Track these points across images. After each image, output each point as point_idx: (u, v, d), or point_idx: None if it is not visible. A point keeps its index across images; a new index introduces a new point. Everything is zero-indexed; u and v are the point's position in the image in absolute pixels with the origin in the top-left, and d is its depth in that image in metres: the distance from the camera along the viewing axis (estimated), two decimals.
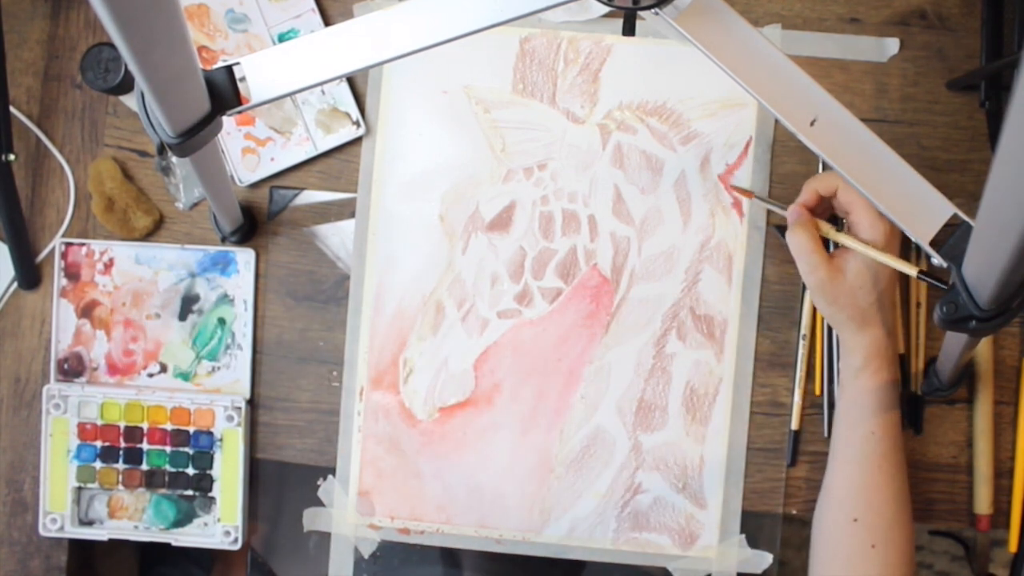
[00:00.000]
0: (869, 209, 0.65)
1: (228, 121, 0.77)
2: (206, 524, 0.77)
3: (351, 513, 0.77)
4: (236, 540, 0.76)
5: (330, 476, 0.78)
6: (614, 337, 0.76)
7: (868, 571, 0.65)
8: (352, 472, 0.77)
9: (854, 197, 0.66)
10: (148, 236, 0.79)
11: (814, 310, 0.76)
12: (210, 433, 0.77)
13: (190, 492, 0.77)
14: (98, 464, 0.77)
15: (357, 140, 0.78)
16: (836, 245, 0.69)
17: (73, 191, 0.79)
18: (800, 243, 0.67)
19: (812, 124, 0.54)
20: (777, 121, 0.74)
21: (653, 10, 0.52)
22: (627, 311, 0.76)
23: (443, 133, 0.78)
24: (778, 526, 0.76)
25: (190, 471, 0.77)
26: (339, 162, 0.79)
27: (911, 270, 0.62)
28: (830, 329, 0.76)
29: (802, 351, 0.75)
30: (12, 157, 0.74)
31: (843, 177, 0.55)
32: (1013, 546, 0.75)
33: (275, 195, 0.79)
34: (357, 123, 0.77)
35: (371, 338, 0.77)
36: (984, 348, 0.75)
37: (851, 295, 0.66)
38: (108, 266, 0.78)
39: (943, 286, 0.59)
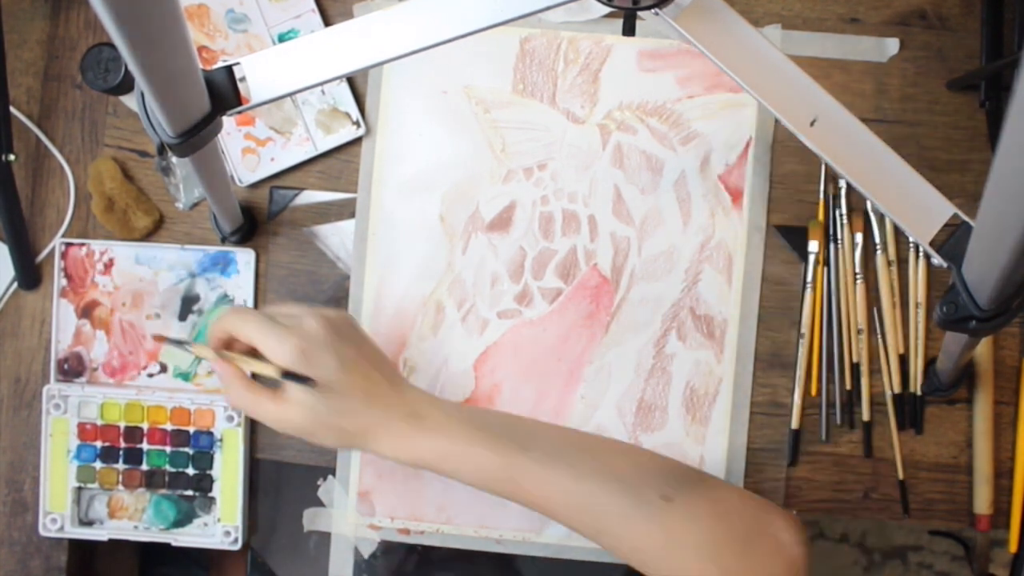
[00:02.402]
0: (268, 333, 0.59)
1: (228, 121, 0.77)
2: (206, 524, 0.77)
3: (351, 513, 0.77)
4: (236, 540, 0.76)
5: (330, 476, 0.78)
6: (614, 337, 0.76)
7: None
8: (352, 472, 0.77)
9: (251, 329, 0.60)
10: (148, 236, 0.79)
11: (814, 310, 0.76)
12: (210, 433, 0.77)
13: (190, 492, 0.77)
14: (98, 464, 0.77)
15: (357, 140, 0.78)
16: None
17: (73, 191, 0.79)
18: (244, 402, 0.61)
19: (812, 124, 0.54)
20: (777, 121, 0.74)
21: (653, 10, 0.52)
22: (627, 311, 0.76)
23: (443, 133, 0.78)
24: None
25: (190, 471, 0.77)
26: (339, 162, 0.79)
27: (274, 372, 0.58)
28: (830, 329, 0.76)
29: (802, 351, 0.76)
30: (12, 157, 0.74)
31: (849, 179, 0.55)
32: (1013, 546, 0.75)
33: (275, 195, 0.79)
34: (357, 123, 0.77)
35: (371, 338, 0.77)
36: (984, 348, 0.75)
37: (318, 425, 0.60)
38: (108, 266, 0.78)
39: (302, 382, 0.58)
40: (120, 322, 0.78)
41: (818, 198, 0.76)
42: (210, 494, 0.77)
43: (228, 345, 0.63)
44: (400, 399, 0.62)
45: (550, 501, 0.61)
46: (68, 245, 0.78)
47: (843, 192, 0.76)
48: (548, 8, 0.52)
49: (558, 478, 0.61)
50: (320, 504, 0.78)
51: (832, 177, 0.76)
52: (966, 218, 0.54)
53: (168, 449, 0.77)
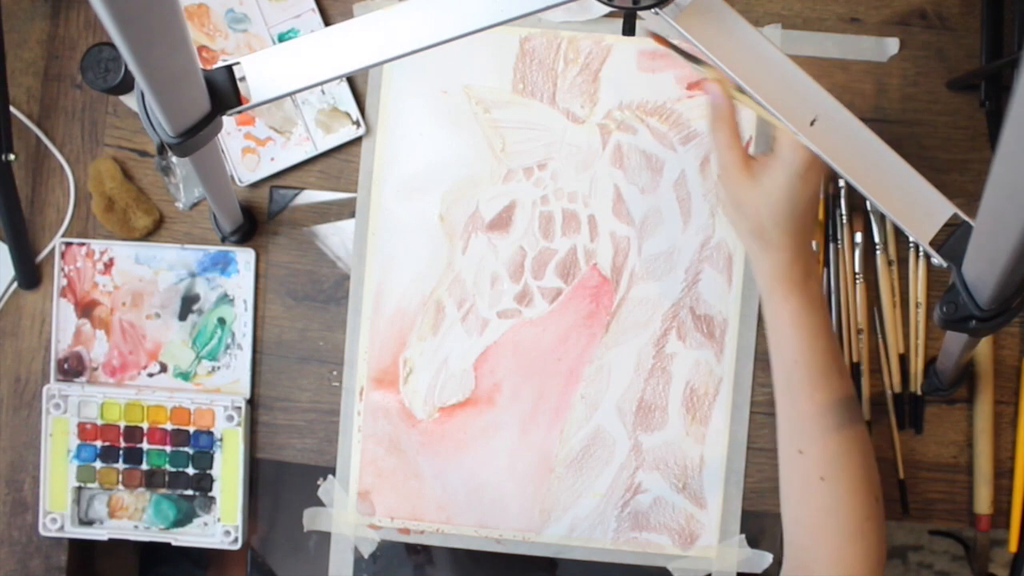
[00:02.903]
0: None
1: (228, 121, 0.77)
2: (206, 524, 0.77)
3: (351, 513, 0.77)
4: (236, 540, 0.76)
5: (330, 476, 0.78)
6: (614, 337, 0.76)
7: (818, 503, 0.62)
8: (352, 472, 0.77)
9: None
10: (148, 236, 0.79)
11: None
12: (210, 433, 0.77)
13: (190, 492, 0.77)
14: (98, 464, 0.77)
15: (357, 140, 0.78)
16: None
17: (73, 191, 0.79)
18: (719, 139, 0.64)
19: (812, 124, 0.54)
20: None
21: (653, 10, 0.52)
22: (627, 311, 0.76)
23: (443, 133, 0.78)
24: (778, 526, 0.76)
25: (190, 471, 0.77)
26: (339, 162, 0.79)
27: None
28: None
29: None
30: (12, 157, 0.74)
31: (849, 179, 0.55)
32: (1013, 546, 0.75)
33: (275, 195, 0.79)
34: (357, 123, 0.77)
35: (371, 338, 0.77)
36: (984, 348, 0.75)
37: (756, 206, 0.62)
38: (108, 266, 0.78)
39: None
40: (120, 322, 0.78)
41: (818, 198, 0.76)
42: (210, 494, 0.77)
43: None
44: (804, 256, 0.64)
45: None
46: (68, 245, 0.78)
47: (843, 192, 0.76)
48: (548, 8, 0.52)
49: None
50: (320, 504, 0.78)
51: (832, 176, 0.76)
52: (966, 218, 0.54)
53: (168, 449, 0.77)
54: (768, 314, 0.65)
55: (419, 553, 0.78)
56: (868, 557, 0.61)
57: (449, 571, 0.80)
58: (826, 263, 0.76)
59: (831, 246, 0.76)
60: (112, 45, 0.73)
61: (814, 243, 0.76)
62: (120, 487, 0.77)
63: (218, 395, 0.77)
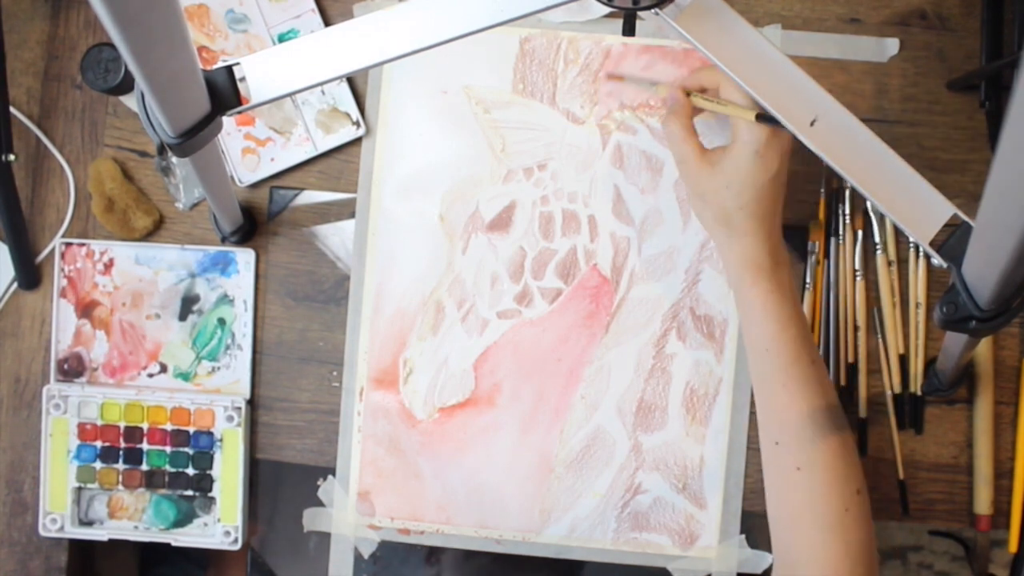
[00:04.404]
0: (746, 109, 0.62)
1: (228, 121, 0.77)
2: (206, 524, 0.77)
3: (351, 513, 0.77)
4: (236, 540, 0.76)
5: (330, 476, 0.78)
6: (614, 337, 0.76)
7: (794, 496, 0.62)
8: (352, 472, 0.77)
9: (728, 82, 0.62)
10: (148, 236, 0.79)
11: (814, 310, 0.76)
12: (210, 433, 0.77)
13: (190, 492, 0.77)
14: (98, 464, 0.77)
15: (357, 140, 0.78)
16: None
17: (73, 191, 0.79)
18: (673, 132, 0.65)
19: (812, 124, 0.54)
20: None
21: (653, 10, 0.52)
22: (627, 311, 0.76)
23: (443, 133, 0.78)
24: None
25: (190, 471, 0.77)
26: (339, 162, 0.79)
27: (748, 115, 0.60)
28: (828, 328, 0.76)
29: None
30: (12, 157, 0.74)
31: (849, 179, 0.55)
32: (1013, 546, 0.75)
33: (275, 195, 0.79)
34: (357, 123, 0.77)
35: (371, 338, 0.77)
36: (984, 348, 0.75)
37: (718, 193, 0.62)
38: (108, 266, 0.78)
39: (775, 124, 0.58)
40: (120, 322, 0.78)
41: (818, 198, 0.76)
42: (210, 494, 0.77)
43: (698, 89, 0.66)
44: (770, 241, 0.64)
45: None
46: (68, 245, 0.78)
47: (847, 190, 0.75)
48: (548, 8, 0.52)
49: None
50: (320, 504, 0.78)
51: (834, 172, 0.76)
52: (966, 218, 0.54)
53: (168, 449, 0.77)
54: (739, 303, 0.65)
55: (419, 553, 0.78)
56: (849, 550, 0.60)
57: (449, 571, 0.80)
58: (826, 256, 0.76)
59: (832, 240, 0.76)
60: (112, 45, 0.73)
61: (816, 243, 0.76)
62: (120, 487, 0.77)
63: (218, 395, 0.77)
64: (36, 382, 0.79)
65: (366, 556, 0.78)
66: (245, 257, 0.78)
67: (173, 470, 0.77)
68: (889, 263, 0.75)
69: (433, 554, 0.78)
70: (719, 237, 0.65)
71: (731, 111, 0.62)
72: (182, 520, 0.77)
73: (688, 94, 0.66)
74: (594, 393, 0.76)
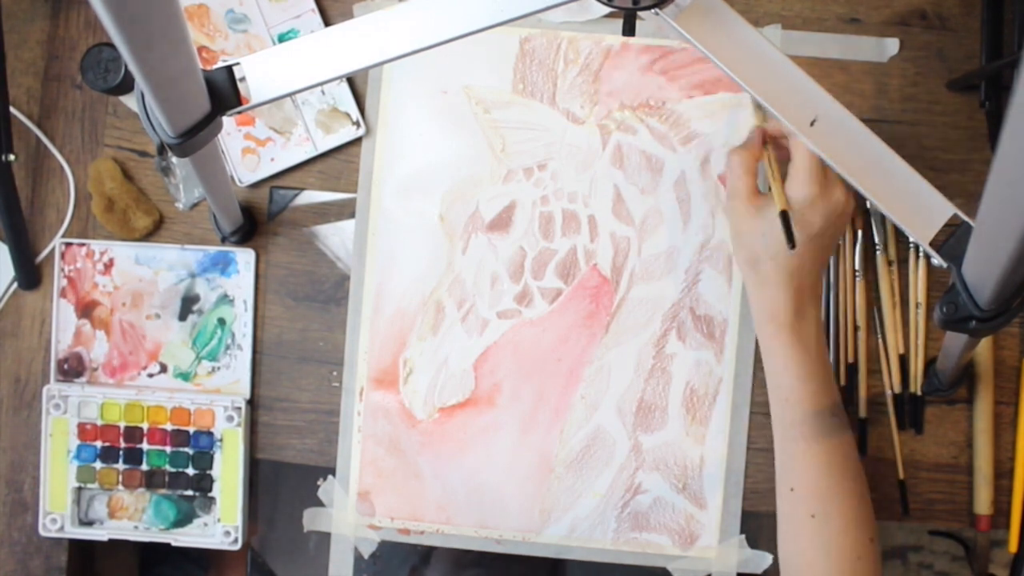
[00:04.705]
0: (806, 168, 0.62)
1: (228, 121, 0.77)
2: (206, 524, 0.77)
3: (351, 513, 0.77)
4: (236, 540, 0.76)
5: (330, 476, 0.78)
6: (614, 337, 0.76)
7: (803, 544, 0.63)
8: (352, 472, 0.77)
9: (800, 150, 0.63)
10: (148, 236, 0.79)
11: None
12: (210, 433, 0.77)
13: (190, 492, 0.77)
14: (98, 464, 0.77)
15: (357, 140, 0.78)
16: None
17: (73, 191, 0.79)
18: (735, 164, 0.65)
19: (812, 124, 0.54)
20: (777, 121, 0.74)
21: (653, 10, 0.52)
22: (627, 311, 0.76)
23: (443, 133, 0.78)
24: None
25: (190, 471, 0.77)
26: (339, 162, 0.79)
27: (779, 202, 0.62)
28: (828, 328, 0.76)
29: None
30: (12, 157, 0.74)
31: (849, 179, 0.55)
32: (1013, 546, 0.75)
33: (275, 195, 0.79)
34: (357, 123, 0.77)
35: (371, 338, 0.77)
36: (984, 348, 0.75)
37: (754, 237, 0.64)
38: (108, 266, 0.78)
39: (788, 237, 0.59)
40: (120, 322, 0.78)
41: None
42: (210, 494, 0.77)
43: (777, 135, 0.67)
44: (797, 296, 0.64)
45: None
46: (68, 245, 0.78)
47: None
48: (548, 8, 0.52)
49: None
50: (320, 504, 0.78)
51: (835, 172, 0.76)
52: (966, 218, 0.54)
53: (168, 449, 0.77)
54: (761, 348, 0.66)
55: (419, 553, 0.78)
56: None
57: (449, 571, 0.80)
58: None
59: None
60: (112, 45, 0.73)
61: None
62: (120, 487, 0.77)
63: (218, 395, 0.77)
64: (36, 382, 0.79)
65: (366, 556, 0.78)
66: (245, 257, 0.78)
67: (173, 470, 0.77)
68: (889, 263, 0.75)
69: (433, 554, 0.78)
70: (747, 279, 0.66)
71: (774, 186, 0.63)
72: (182, 520, 0.77)
73: (766, 142, 0.66)
74: (594, 393, 0.76)
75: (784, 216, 0.61)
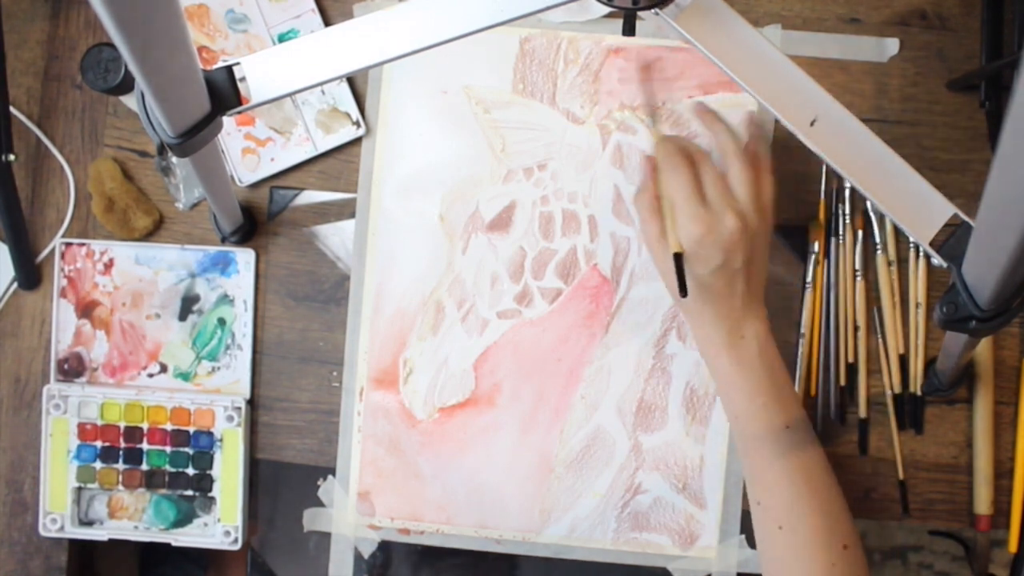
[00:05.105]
0: (683, 212, 0.63)
1: (228, 121, 0.77)
2: (206, 524, 0.77)
3: (351, 513, 0.77)
4: (236, 540, 0.76)
5: (330, 476, 0.78)
6: (614, 337, 0.76)
7: (776, 553, 0.63)
8: (352, 472, 0.77)
9: (681, 192, 0.63)
10: (148, 236, 0.79)
11: (814, 310, 0.76)
12: (210, 433, 0.77)
13: (190, 492, 0.77)
14: (98, 464, 0.77)
15: (357, 140, 0.78)
16: None
17: (73, 191, 0.79)
18: (640, 208, 0.67)
19: (812, 124, 0.54)
20: (777, 121, 0.74)
21: (653, 10, 0.52)
22: (627, 311, 0.76)
23: (443, 133, 0.78)
24: None
25: (190, 471, 0.77)
26: (339, 162, 0.79)
27: (673, 246, 0.62)
28: (827, 329, 0.76)
29: (802, 351, 0.76)
30: (12, 157, 0.74)
31: (849, 179, 0.55)
32: (1013, 546, 0.75)
33: (275, 195, 0.79)
34: (357, 123, 0.77)
35: (371, 338, 0.77)
36: (984, 348, 0.75)
37: (671, 278, 0.64)
38: (108, 266, 0.78)
39: (680, 282, 0.61)
40: (120, 322, 0.78)
41: (818, 198, 0.76)
42: (210, 494, 0.77)
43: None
44: (726, 323, 0.65)
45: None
46: (68, 245, 0.78)
47: (847, 189, 0.75)
48: (548, 8, 0.52)
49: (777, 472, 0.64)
50: (320, 504, 0.78)
51: (834, 172, 0.76)
52: (966, 218, 0.54)
53: (168, 449, 0.77)
54: (708, 370, 0.68)
55: (419, 553, 0.78)
56: None
57: (449, 571, 0.80)
58: (826, 255, 0.76)
59: (832, 240, 0.76)
60: (112, 45, 0.73)
61: (816, 243, 0.76)
62: (120, 487, 0.77)
63: (218, 395, 0.77)
64: (36, 382, 0.79)
65: (366, 556, 0.78)
66: (245, 257, 0.78)
67: (173, 470, 0.77)
68: (889, 263, 0.75)
69: (433, 554, 0.78)
70: (680, 311, 0.69)
71: (667, 229, 0.64)
72: (182, 520, 0.77)
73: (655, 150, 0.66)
74: (594, 393, 0.76)
75: (677, 259, 0.62)
